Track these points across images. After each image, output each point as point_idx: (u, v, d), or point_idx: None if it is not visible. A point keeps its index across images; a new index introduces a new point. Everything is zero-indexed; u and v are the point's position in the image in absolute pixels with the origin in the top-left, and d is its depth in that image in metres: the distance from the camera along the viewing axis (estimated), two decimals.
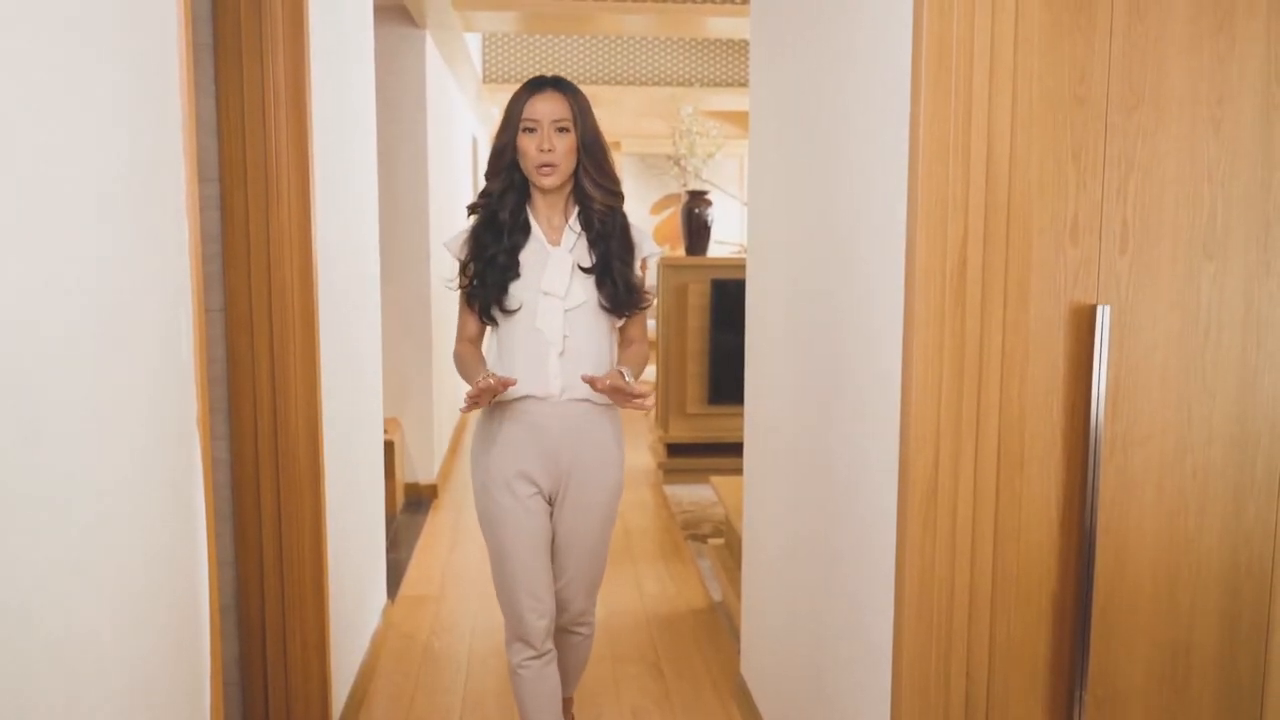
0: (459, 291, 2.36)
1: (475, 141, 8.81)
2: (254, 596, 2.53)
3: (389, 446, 4.87)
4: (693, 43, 8.18)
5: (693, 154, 7.08)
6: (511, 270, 2.25)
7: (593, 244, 2.28)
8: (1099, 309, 1.67)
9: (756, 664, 2.89)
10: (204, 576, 1.66)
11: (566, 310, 2.24)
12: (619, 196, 2.32)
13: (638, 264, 2.34)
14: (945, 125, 1.63)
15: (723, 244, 7.59)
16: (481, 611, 3.81)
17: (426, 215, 5.35)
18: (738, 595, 3.46)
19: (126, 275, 1.37)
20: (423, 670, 3.32)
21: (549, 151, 2.20)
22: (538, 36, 7.98)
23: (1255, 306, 1.71)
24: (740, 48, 8.21)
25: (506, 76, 7.93)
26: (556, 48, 8.14)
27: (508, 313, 2.26)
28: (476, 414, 2.40)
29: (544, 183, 2.24)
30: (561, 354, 2.24)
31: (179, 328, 1.56)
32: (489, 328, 2.35)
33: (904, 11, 1.70)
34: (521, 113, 2.23)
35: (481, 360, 2.32)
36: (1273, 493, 1.75)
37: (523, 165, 2.26)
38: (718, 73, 8.29)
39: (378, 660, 3.37)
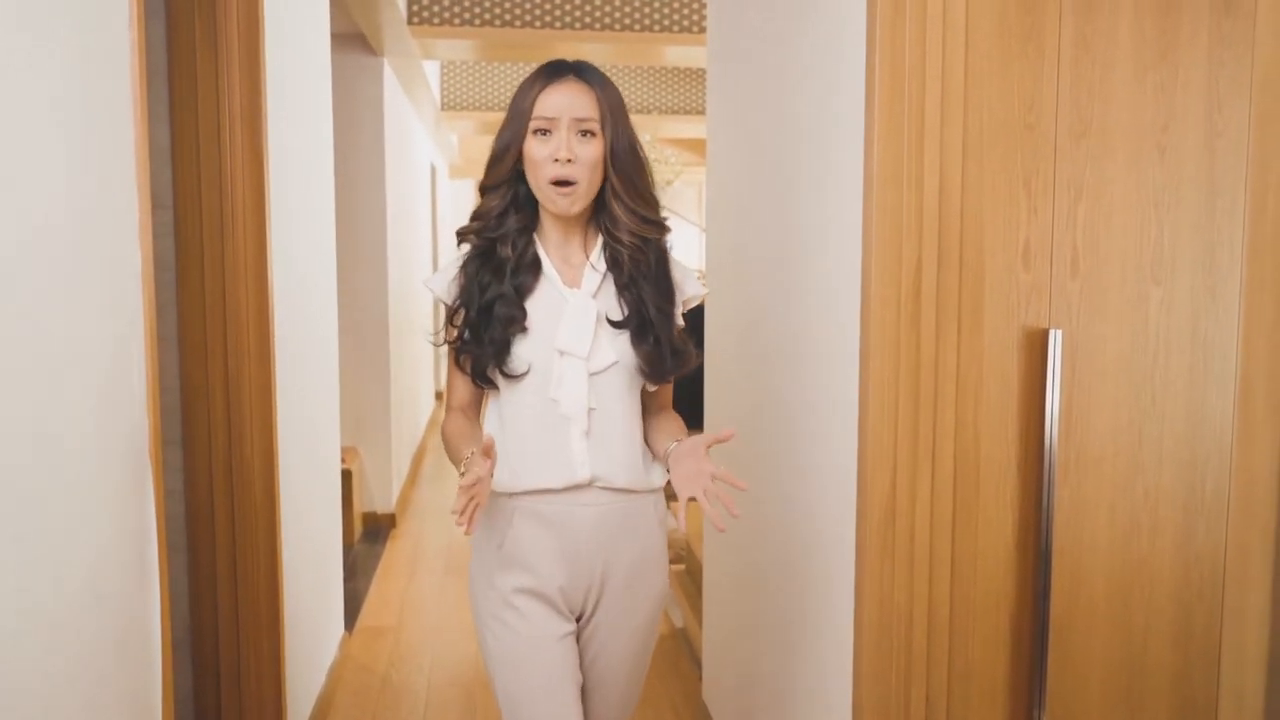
0: (445, 347, 1.79)
1: (434, 169, 8.80)
2: (208, 630, 2.48)
3: (346, 475, 4.82)
4: (651, 71, 8.24)
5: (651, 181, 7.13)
6: (517, 322, 1.69)
7: (624, 288, 1.73)
8: (1051, 333, 1.69)
9: (718, 689, 2.87)
10: (156, 611, 1.62)
11: (592, 374, 1.70)
12: (659, 227, 1.75)
13: (678, 311, 1.78)
14: (899, 153, 1.65)
15: None
16: (440, 642, 3.77)
17: (384, 242, 5.33)
18: (699, 621, 3.45)
19: (76, 303, 1.35)
20: (381, 703, 3.27)
21: (568, 162, 1.65)
22: (496, 64, 8.00)
23: (1201, 330, 1.75)
24: (698, 76, 8.29)
25: (465, 104, 7.93)
26: (515, 75, 8.16)
27: (512, 377, 1.71)
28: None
29: (559, 205, 1.68)
30: (587, 431, 1.70)
31: (130, 356, 1.54)
32: (489, 393, 1.79)
33: (857, 42, 1.73)
34: (532, 108, 1.67)
35: (473, 436, 1.71)
36: (1221, 513, 1.78)
37: (530, 179, 1.69)
38: (676, 100, 8.35)
39: (335, 693, 3.31)
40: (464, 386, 1.79)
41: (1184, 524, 1.78)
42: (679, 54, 5.46)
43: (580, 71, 1.69)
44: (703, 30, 5.11)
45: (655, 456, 1.77)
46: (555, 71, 1.68)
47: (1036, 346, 1.72)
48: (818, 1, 1.96)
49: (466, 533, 1.53)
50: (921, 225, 1.66)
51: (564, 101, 1.66)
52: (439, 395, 9.63)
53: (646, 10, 5.11)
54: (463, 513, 1.48)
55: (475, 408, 1.82)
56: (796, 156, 2.10)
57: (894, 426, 1.69)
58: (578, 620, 1.78)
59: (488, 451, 1.54)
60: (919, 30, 1.64)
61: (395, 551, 4.99)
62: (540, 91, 1.67)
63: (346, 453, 5.05)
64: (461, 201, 12.61)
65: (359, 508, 5.15)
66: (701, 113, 8.27)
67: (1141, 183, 1.71)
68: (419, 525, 5.46)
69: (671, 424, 1.82)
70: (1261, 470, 1.77)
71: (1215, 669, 1.80)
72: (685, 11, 5.12)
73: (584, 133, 1.66)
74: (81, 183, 1.37)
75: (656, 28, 5.14)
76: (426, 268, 8.01)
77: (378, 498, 5.40)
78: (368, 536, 5.21)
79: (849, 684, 1.81)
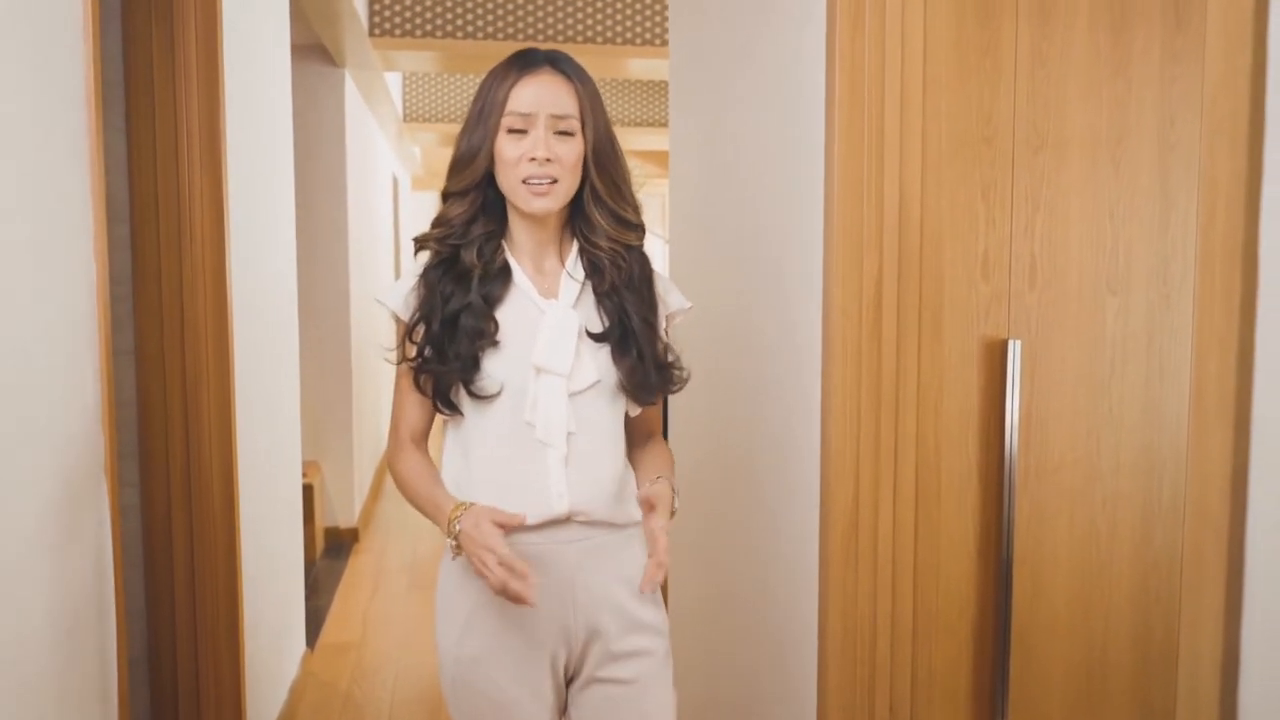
0: (400, 367, 1.59)
1: (396, 181, 8.76)
2: (166, 649, 2.44)
3: (308, 490, 4.77)
4: (614, 83, 8.26)
5: None
6: (487, 335, 1.51)
7: (604, 296, 1.58)
8: (1010, 343, 1.71)
9: (683, 702, 2.87)
10: (112, 629, 1.59)
11: (572, 394, 1.53)
12: (639, 230, 1.62)
13: (662, 324, 1.64)
14: (859, 165, 1.67)
15: None
16: (404, 658, 3.73)
17: (346, 255, 5.29)
18: None
19: (29, 316, 1.32)
20: None
21: (546, 162, 1.49)
22: (458, 76, 7.98)
23: (1156, 339, 1.77)
24: (660, 88, 8.32)
25: (428, 116, 7.90)
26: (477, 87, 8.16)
27: (481, 399, 1.52)
28: (443, 564, 1.62)
29: (535, 205, 1.51)
30: (567, 459, 1.53)
31: (85, 371, 1.51)
32: (446, 421, 1.60)
33: (817, 55, 1.74)
34: (505, 102, 1.51)
35: (437, 477, 1.58)
36: (1178, 519, 1.80)
37: (501, 180, 1.53)
38: (639, 113, 8.37)
39: (296, 712, 3.27)
40: (419, 413, 1.60)
41: (1142, 529, 1.80)
42: (642, 67, 5.48)
43: (556, 62, 1.54)
44: (665, 43, 5.14)
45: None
46: (529, 62, 1.52)
47: (996, 356, 1.74)
48: (778, 15, 1.97)
49: (531, 603, 1.41)
50: (882, 237, 1.68)
51: (541, 95, 1.50)
52: None
53: (609, 23, 5.13)
54: (520, 591, 1.39)
55: (426, 438, 1.64)
56: (759, 168, 2.12)
57: (856, 437, 1.70)
58: (570, 681, 1.61)
59: (508, 525, 1.43)
60: (878, 43, 1.65)
61: (358, 567, 4.94)
62: (514, 84, 1.51)
63: (308, 467, 5.00)
64: (425, 213, 12.54)
65: (321, 522, 5.10)
66: (665, 125, 8.30)
67: (1097, 194, 1.74)
68: (382, 540, 5.41)
69: (658, 458, 1.65)
70: (1214, 475, 1.80)
71: (1173, 671, 1.82)
72: (648, 25, 5.15)
73: (562, 132, 1.51)
74: (35, 196, 1.35)
75: (619, 40, 5.15)
76: (389, 280, 7.95)
77: (340, 512, 5.34)
78: (330, 552, 5.16)
79: (814, 694, 1.82)
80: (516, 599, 1.41)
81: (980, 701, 1.79)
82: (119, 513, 1.65)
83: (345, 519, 5.35)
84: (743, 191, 2.23)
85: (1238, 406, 1.79)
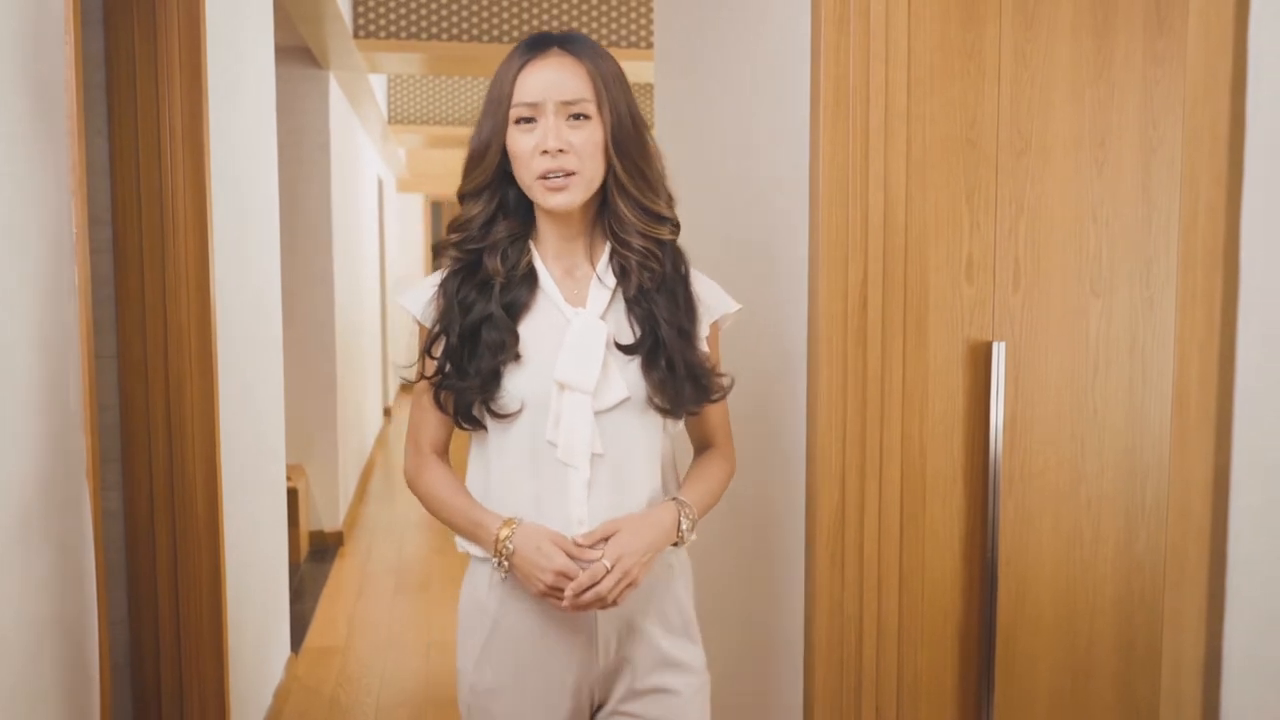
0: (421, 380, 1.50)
1: (381, 183, 8.74)
2: (149, 655, 2.43)
3: (292, 494, 4.75)
4: None
5: None
6: (508, 349, 1.41)
7: (634, 302, 1.45)
8: (994, 346, 1.72)
9: None
10: (94, 636, 1.58)
11: (599, 412, 1.41)
12: (670, 224, 1.48)
13: (703, 332, 1.51)
14: (844, 169, 1.67)
15: None
16: (389, 662, 3.72)
17: (330, 257, 5.28)
18: None
19: (9, 320, 1.31)
20: None
21: (559, 153, 1.38)
22: (444, 78, 7.97)
23: (1140, 341, 1.78)
24: (646, 91, 8.33)
25: (413, 118, 7.89)
26: (463, 89, 8.15)
27: (501, 417, 1.42)
28: (464, 584, 1.55)
29: (553, 201, 1.40)
30: (591, 483, 1.42)
31: (66, 374, 1.50)
32: (472, 434, 1.50)
33: (802, 58, 1.75)
34: (511, 92, 1.39)
35: (469, 496, 1.48)
36: (1161, 520, 1.81)
37: (518, 176, 1.42)
38: None
39: (280, 716, 3.26)
40: (440, 426, 1.50)
41: (1125, 532, 1.81)
42: (628, 69, 5.47)
43: (566, 43, 1.41)
44: (650, 45, 5.14)
45: None
46: (536, 46, 1.41)
47: (980, 359, 1.74)
48: (763, 19, 1.98)
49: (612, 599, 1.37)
50: (866, 240, 1.68)
51: (548, 81, 1.38)
52: (387, 411, 9.53)
53: (594, 26, 5.13)
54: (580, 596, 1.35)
55: (446, 451, 1.55)
56: (744, 171, 2.12)
57: (842, 440, 1.70)
58: (597, 710, 1.52)
59: (566, 548, 1.37)
60: (863, 46, 1.66)
61: (343, 570, 4.93)
62: (519, 71, 1.39)
63: (292, 470, 4.98)
64: (410, 215, 12.52)
65: (305, 526, 5.08)
66: (650, 127, 8.29)
67: (1080, 197, 1.75)
68: (367, 543, 5.39)
69: (694, 477, 1.54)
70: (1196, 477, 1.81)
71: (1157, 671, 1.83)
72: (633, 28, 5.15)
73: (576, 116, 1.39)
74: (15, 198, 1.34)
75: (604, 43, 5.16)
76: (374, 282, 7.94)
77: (325, 516, 5.32)
78: (314, 555, 5.14)
79: (800, 698, 1.82)
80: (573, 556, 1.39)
81: (966, 703, 1.80)
82: (101, 517, 1.64)
83: (330, 522, 5.34)
84: (728, 194, 2.23)
85: (1219, 408, 1.80)
